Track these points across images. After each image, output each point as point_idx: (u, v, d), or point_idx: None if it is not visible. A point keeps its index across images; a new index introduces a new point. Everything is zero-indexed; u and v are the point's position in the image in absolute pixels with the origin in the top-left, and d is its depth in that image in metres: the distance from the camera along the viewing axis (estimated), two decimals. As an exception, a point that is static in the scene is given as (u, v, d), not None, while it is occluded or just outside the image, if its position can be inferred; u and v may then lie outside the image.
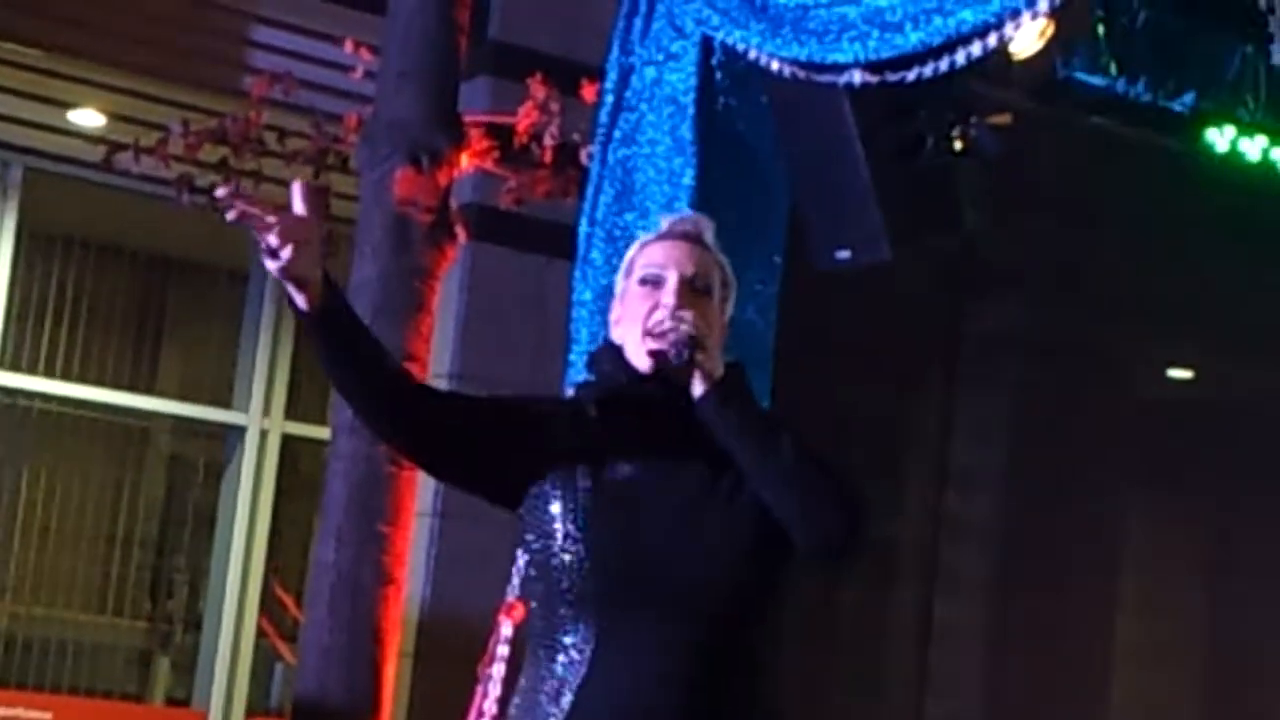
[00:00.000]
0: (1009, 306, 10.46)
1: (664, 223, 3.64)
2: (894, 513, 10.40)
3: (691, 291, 3.48)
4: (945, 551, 10.73)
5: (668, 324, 3.41)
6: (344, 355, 3.35)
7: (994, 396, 10.74)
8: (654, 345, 3.42)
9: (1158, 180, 7.40)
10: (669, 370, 3.41)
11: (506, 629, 5.83)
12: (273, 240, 3.17)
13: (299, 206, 3.24)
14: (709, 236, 3.59)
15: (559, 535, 3.38)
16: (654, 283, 3.49)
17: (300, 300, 3.25)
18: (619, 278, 3.61)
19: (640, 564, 3.34)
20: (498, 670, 5.83)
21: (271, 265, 3.20)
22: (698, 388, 3.39)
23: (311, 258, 3.21)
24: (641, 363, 3.47)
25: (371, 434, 3.79)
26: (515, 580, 5.77)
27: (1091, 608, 10.68)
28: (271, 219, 3.16)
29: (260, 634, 9.96)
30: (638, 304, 3.49)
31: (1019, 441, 10.73)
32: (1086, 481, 10.57)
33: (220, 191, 3.24)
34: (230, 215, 3.18)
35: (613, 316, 3.60)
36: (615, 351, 3.54)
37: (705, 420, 3.39)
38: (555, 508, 3.40)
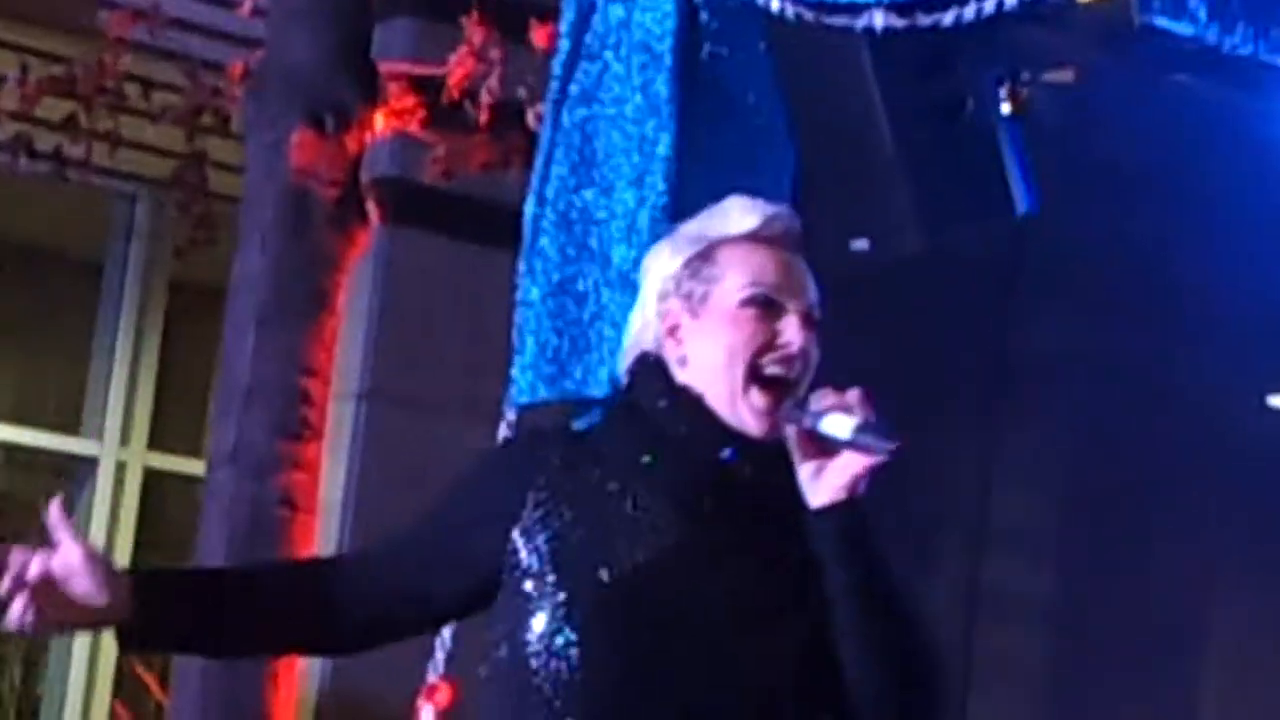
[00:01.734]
0: (1068, 316, 10.48)
1: (744, 214, 3.54)
2: (919, 584, 10.39)
3: (808, 327, 3.47)
4: (983, 633, 10.74)
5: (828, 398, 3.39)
6: (217, 643, 3.50)
7: (1046, 433, 10.77)
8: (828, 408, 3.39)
9: (1257, 156, 7.42)
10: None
11: (427, 716, 5.84)
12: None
13: (59, 533, 3.26)
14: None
15: (540, 627, 3.33)
16: (765, 306, 3.44)
17: (112, 634, 3.33)
18: (674, 269, 3.51)
19: (645, 685, 3.29)
20: (417, 768, 5.83)
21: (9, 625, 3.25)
22: (825, 494, 3.36)
23: (90, 593, 3.23)
24: (727, 406, 3.40)
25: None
26: (439, 654, 5.78)
27: (1170, 704, 10.71)
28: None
29: (114, 725, 9.96)
30: (735, 328, 3.42)
31: (1076, 491, 10.76)
32: (1164, 543, 10.60)
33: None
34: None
35: (665, 324, 3.49)
36: (665, 377, 3.46)
37: (812, 533, 3.34)
38: (540, 590, 3.35)
